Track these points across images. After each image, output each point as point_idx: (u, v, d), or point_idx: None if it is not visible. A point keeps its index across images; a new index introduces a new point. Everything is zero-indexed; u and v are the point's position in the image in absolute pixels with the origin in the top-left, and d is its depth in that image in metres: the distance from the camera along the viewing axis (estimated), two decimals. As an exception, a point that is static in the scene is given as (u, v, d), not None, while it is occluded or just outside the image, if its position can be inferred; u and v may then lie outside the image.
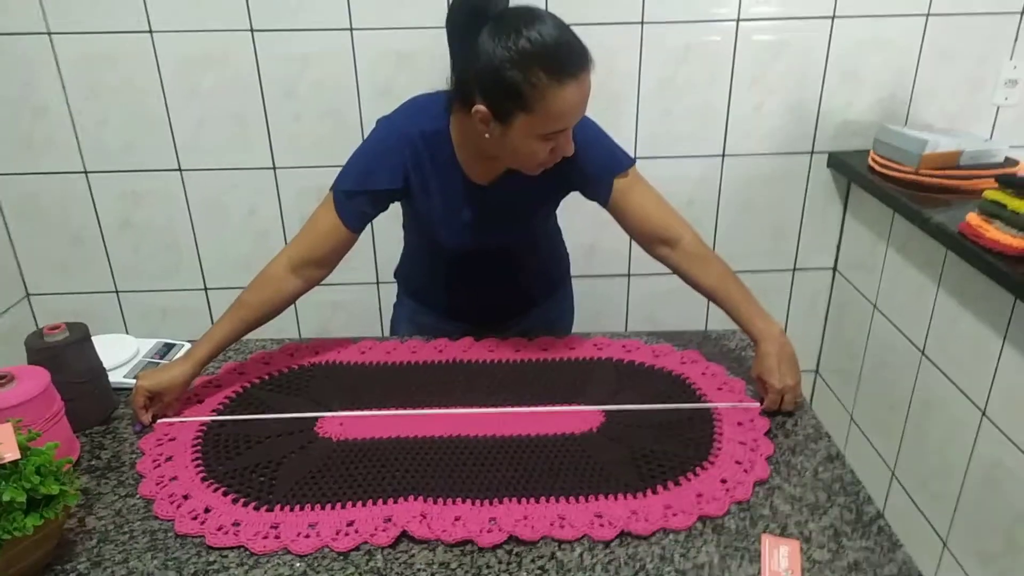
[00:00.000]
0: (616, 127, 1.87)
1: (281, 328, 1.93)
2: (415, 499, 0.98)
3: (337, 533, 0.94)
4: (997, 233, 1.32)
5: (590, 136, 1.23)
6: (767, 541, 0.92)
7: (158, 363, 1.31)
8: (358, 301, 2.07)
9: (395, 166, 1.21)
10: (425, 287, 1.48)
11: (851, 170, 1.87)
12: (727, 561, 0.90)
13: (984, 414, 1.44)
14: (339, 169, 1.24)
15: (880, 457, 1.85)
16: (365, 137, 1.25)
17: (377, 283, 2.05)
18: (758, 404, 1.18)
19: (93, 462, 1.09)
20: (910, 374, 1.70)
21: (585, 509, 0.97)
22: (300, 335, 1.86)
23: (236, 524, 0.96)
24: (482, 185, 1.25)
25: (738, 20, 1.81)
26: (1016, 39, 1.84)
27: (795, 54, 1.85)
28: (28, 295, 2.04)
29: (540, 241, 1.44)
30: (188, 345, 1.35)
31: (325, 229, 1.23)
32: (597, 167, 1.23)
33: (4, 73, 1.80)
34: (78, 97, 1.84)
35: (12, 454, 0.85)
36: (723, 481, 1.02)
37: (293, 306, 2.04)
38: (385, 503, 0.98)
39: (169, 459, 1.08)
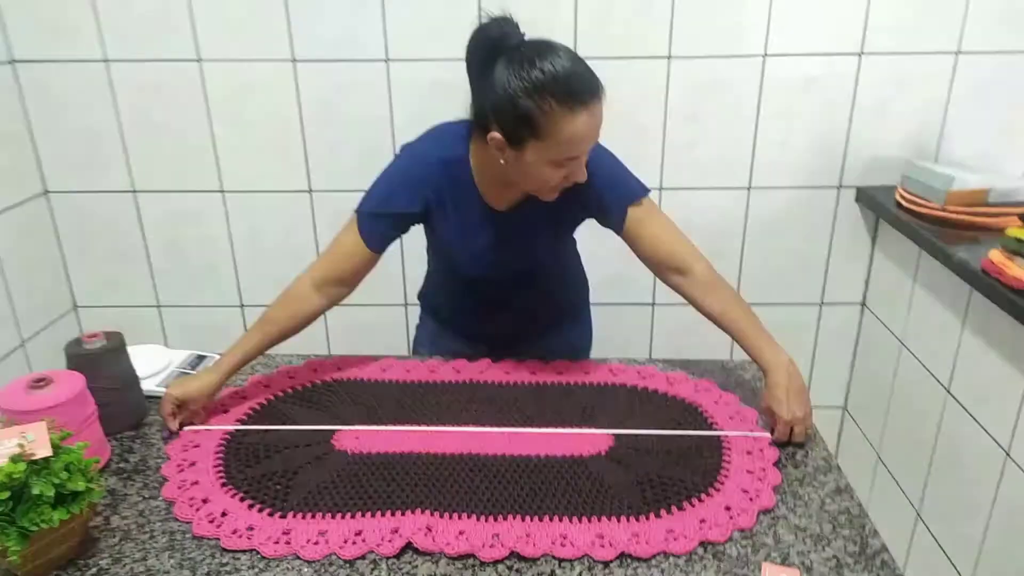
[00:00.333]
0: (642, 158, 1.91)
1: (311, 346, 1.99)
2: (422, 512, 1.01)
3: (345, 542, 0.97)
4: (1019, 271, 1.31)
5: (606, 166, 1.27)
6: (767, 569, 0.92)
7: (190, 373, 1.36)
8: (386, 322, 2.12)
9: (415, 191, 1.26)
10: (446, 309, 1.52)
11: (879, 205, 1.86)
12: (724, 586, 0.90)
13: (1008, 455, 1.41)
14: (368, 193, 1.30)
15: (906, 496, 1.81)
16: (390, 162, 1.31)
17: (405, 305, 2.11)
18: (768, 434, 1.19)
19: (122, 464, 1.15)
20: (935, 413, 1.67)
21: (587, 529, 0.99)
22: (330, 352, 1.91)
23: (250, 529, 1.00)
24: (500, 211, 1.29)
25: (765, 55, 1.83)
26: (1051, 78, 1.83)
27: (822, 89, 1.86)
28: (76, 307, 2.14)
29: (558, 267, 1.47)
30: (218, 357, 1.41)
31: (348, 249, 1.29)
32: (612, 196, 1.27)
33: (64, 98, 1.92)
34: (130, 121, 1.94)
35: (44, 451, 0.91)
36: (727, 508, 1.03)
37: (324, 325, 2.14)
38: (393, 515, 1.01)
39: (192, 464, 1.13)
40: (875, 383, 2.00)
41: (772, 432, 1.19)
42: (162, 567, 0.94)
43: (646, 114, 1.90)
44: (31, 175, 1.97)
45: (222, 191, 2.01)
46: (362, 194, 1.30)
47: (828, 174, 1.95)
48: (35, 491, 0.87)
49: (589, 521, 1.00)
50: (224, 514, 1.02)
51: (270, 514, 1.02)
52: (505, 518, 1.00)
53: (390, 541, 0.97)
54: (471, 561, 0.95)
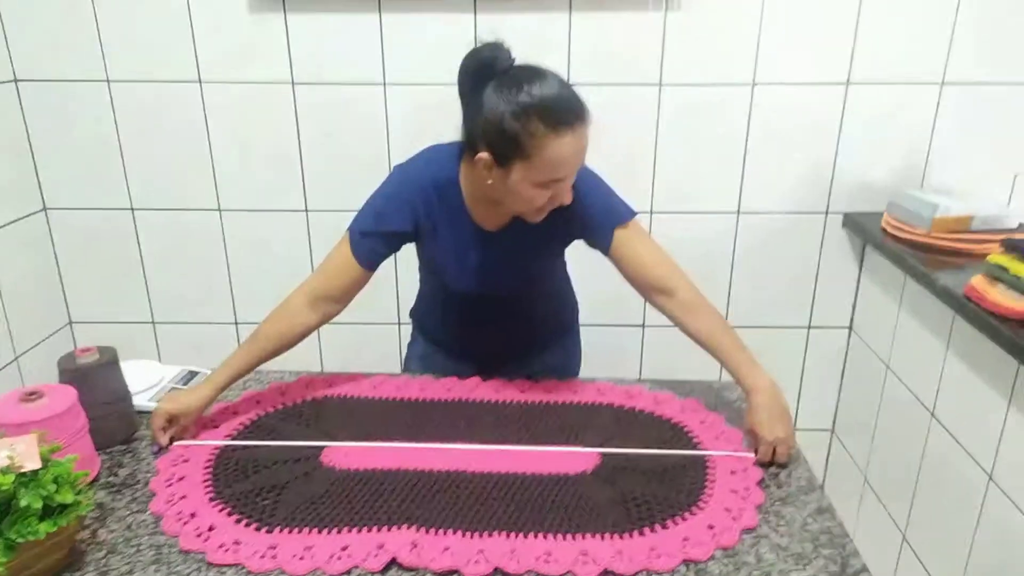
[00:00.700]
0: (633, 183, 1.96)
1: (304, 363, 2.00)
2: (408, 528, 1.02)
3: (331, 557, 0.98)
4: (999, 296, 1.33)
5: (592, 188, 1.30)
6: (748, 588, 0.93)
7: (181, 389, 1.38)
8: (379, 340, 2.14)
9: (406, 210, 1.29)
10: (436, 327, 1.54)
11: (866, 231, 1.89)
12: (704, 604, 0.91)
13: (991, 478, 1.43)
14: (363, 212, 1.32)
15: (891, 519, 1.82)
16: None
17: (398, 323, 2.12)
18: (752, 455, 1.20)
19: (111, 479, 1.16)
20: (920, 436, 1.69)
21: (571, 546, 1.00)
22: (322, 369, 1.92)
23: (237, 543, 1.00)
24: (490, 231, 1.32)
25: (753, 84, 1.87)
26: (1033, 108, 1.87)
27: (810, 118, 1.90)
28: (71, 322, 2.16)
29: (548, 287, 1.49)
30: (210, 372, 1.43)
31: (340, 267, 1.31)
32: (599, 218, 1.29)
33: (65, 116, 1.95)
34: (130, 140, 1.97)
35: (33, 463, 0.92)
36: (710, 527, 1.04)
37: (317, 342, 2.15)
38: (379, 530, 1.02)
39: (181, 479, 1.14)
40: (862, 406, 2.01)
41: (756, 453, 1.20)
42: (148, 580, 0.95)
43: (637, 140, 1.93)
44: (31, 192, 1.99)
45: (219, 209, 2.04)
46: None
47: (816, 200, 1.98)
48: (23, 503, 0.88)
49: (573, 538, 1.01)
50: (211, 528, 1.03)
51: (257, 529, 1.03)
52: (490, 534, 1.01)
53: (376, 556, 0.98)
54: (455, 577, 0.96)
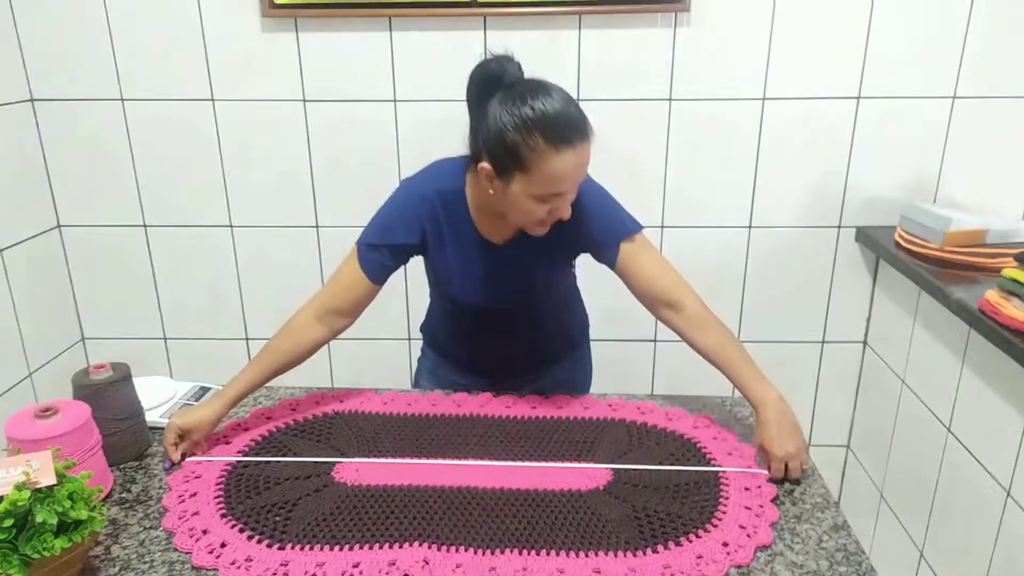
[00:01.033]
0: (644, 197, 1.96)
1: (315, 379, 2.00)
2: (420, 545, 1.01)
3: (343, 574, 0.98)
4: (1015, 311, 1.32)
5: (598, 202, 1.31)
6: (763, 606, 0.92)
7: (193, 405, 1.38)
8: (389, 356, 2.14)
9: (413, 223, 1.30)
10: (446, 341, 1.54)
11: (879, 245, 1.88)
12: (720, 623, 0.90)
13: (1009, 494, 1.41)
14: (371, 227, 1.33)
15: (908, 536, 1.80)
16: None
17: (409, 339, 2.12)
18: (765, 472, 1.19)
19: (124, 495, 1.16)
20: (936, 452, 1.67)
21: (584, 564, 0.99)
22: (333, 385, 1.92)
23: (249, 560, 1.00)
24: (495, 243, 1.33)
25: (764, 99, 1.87)
26: (1046, 121, 1.86)
27: (821, 132, 1.90)
28: (84, 339, 2.17)
29: (556, 301, 1.49)
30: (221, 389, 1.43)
31: (349, 281, 1.32)
32: (604, 231, 1.30)
33: (80, 135, 1.97)
34: (143, 157, 1.99)
35: (48, 479, 0.92)
36: (724, 544, 1.03)
37: (328, 358, 2.15)
38: (391, 547, 1.02)
39: (193, 495, 1.14)
40: (878, 421, 2.00)
41: (769, 470, 1.19)
42: (160, 597, 0.95)
43: (648, 154, 1.94)
44: (45, 209, 2.02)
45: (230, 226, 2.05)
46: (366, 229, 1.34)
47: (828, 214, 1.97)
48: (38, 519, 0.88)
49: (586, 556, 1.00)
50: (223, 545, 1.03)
51: (269, 545, 1.03)
52: (503, 552, 1.01)
53: (387, 574, 0.97)
54: (468, 594, 0.95)
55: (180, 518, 1.09)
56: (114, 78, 1.92)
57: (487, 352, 1.48)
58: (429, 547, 1.01)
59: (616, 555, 1.00)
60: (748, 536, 1.05)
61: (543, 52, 1.85)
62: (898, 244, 1.82)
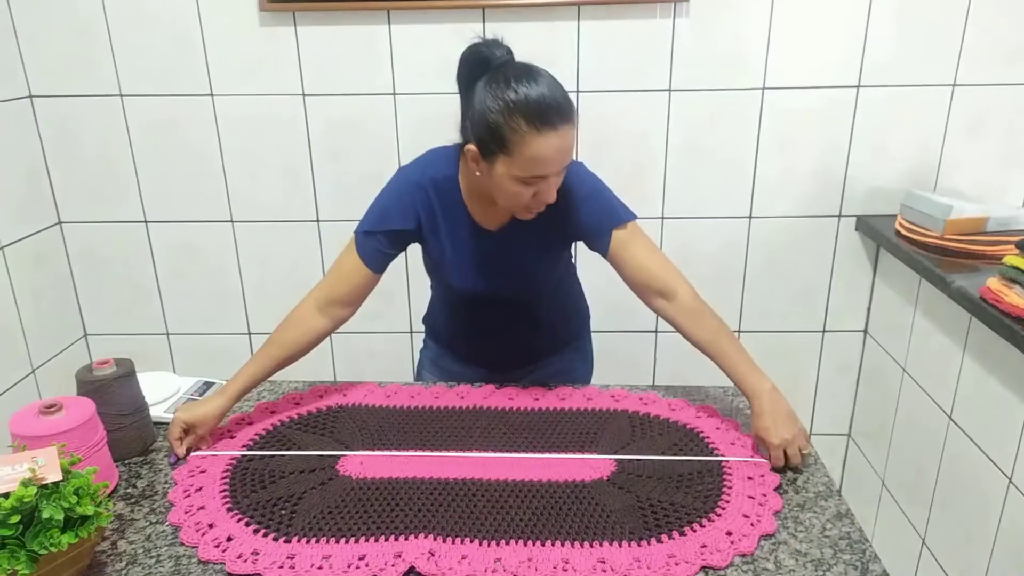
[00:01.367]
0: (644, 188, 1.96)
1: (317, 372, 2.00)
2: (425, 537, 1.02)
3: (348, 566, 0.98)
4: (1016, 298, 1.32)
5: (591, 190, 1.31)
6: (768, 594, 0.93)
7: (197, 400, 1.38)
8: (391, 349, 2.14)
9: (408, 209, 1.31)
10: (446, 332, 1.55)
11: (879, 234, 1.88)
12: (724, 611, 0.91)
13: (1011, 481, 1.41)
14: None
15: (910, 523, 1.81)
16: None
17: (411, 332, 2.13)
18: (766, 461, 1.20)
19: (129, 490, 1.16)
20: (938, 440, 1.68)
21: (589, 554, 0.99)
22: (335, 379, 1.93)
23: (255, 553, 1.01)
24: (489, 230, 1.34)
25: (763, 88, 1.87)
26: (1046, 108, 1.86)
27: (821, 121, 1.90)
28: (86, 335, 2.17)
29: (555, 291, 1.49)
30: (225, 383, 1.44)
31: (348, 270, 1.33)
32: (596, 219, 1.30)
33: (79, 131, 1.97)
34: (143, 153, 1.99)
35: (54, 475, 0.92)
36: (728, 533, 1.03)
37: (330, 352, 2.16)
38: (396, 539, 1.02)
39: (199, 490, 1.14)
40: (879, 410, 2.00)
41: (769, 459, 1.19)
42: (168, 591, 0.96)
43: (647, 146, 1.94)
44: (45, 206, 2.01)
45: (231, 221, 2.05)
46: (366, 221, 1.34)
47: (828, 203, 1.97)
48: (45, 515, 0.89)
49: (591, 546, 1.00)
50: (230, 539, 1.03)
51: (275, 539, 1.03)
52: (507, 543, 1.01)
53: (393, 566, 0.97)
54: (473, 585, 0.96)
55: (186, 512, 1.09)
56: (113, 74, 1.92)
57: (487, 342, 1.49)
58: (434, 539, 1.01)
59: (621, 545, 1.01)
60: (752, 525, 1.05)
61: (542, 44, 1.85)
62: (898, 233, 1.82)
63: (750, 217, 1.99)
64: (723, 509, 1.08)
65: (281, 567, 0.98)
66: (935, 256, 1.68)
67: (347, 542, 1.02)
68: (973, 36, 1.81)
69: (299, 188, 2.01)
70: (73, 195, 2.04)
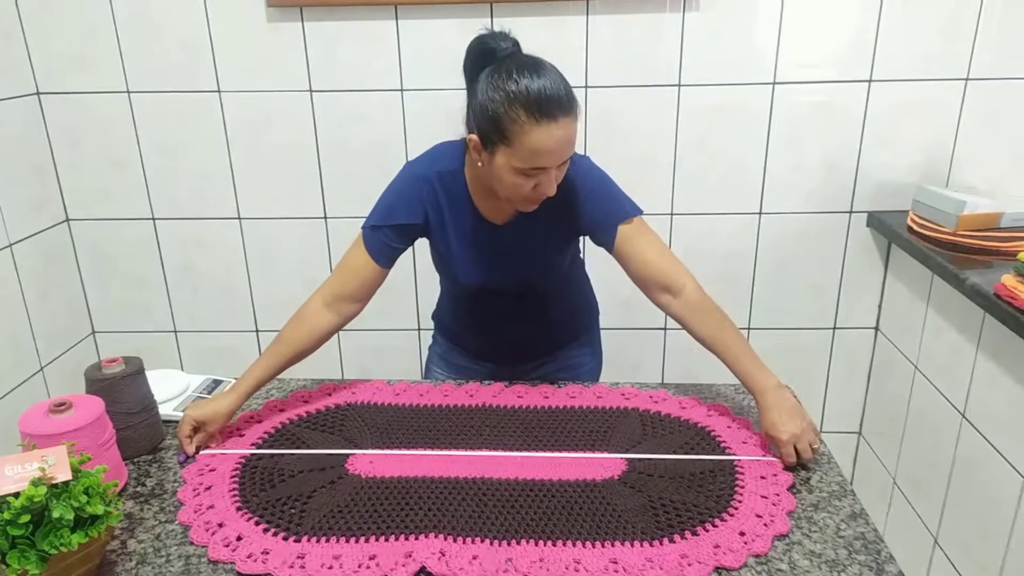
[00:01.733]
0: (653, 184, 1.95)
1: (325, 370, 2.00)
2: (436, 536, 1.01)
3: (359, 566, 0.97)
4: (1032, 295, 1.31)
5: (597, 185, 1.31)
6: (782, 595, 0.92)
7: (206, 398, 1.38)
8: (399, 346, 2.14)
9: (414, 203, 1.31)
10: (454, 327, 1.55)
11: (891, 230, 1.86)
12: (739, 612, 0.90)
13: (1026, 480, 1.40)
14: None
15: (922, 522, 1.79)
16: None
17: (419, 330, 2.12)
18: (778, 459, 1.18)
19: (138, 488, 1.16)
20: (951, 437, 1.66)
21: (601, 554, 0.98)
22: (343, 377, 1.93)
23: (265, 553, 1.00)
24: (495, 224, 1.33)
25: (774, 83, 1.85)
26: (1060, 103, 1.83)
27: (832, 116, 1.88)
28: (94, 332, 2.17)
29: (563, 286, 1.49)
30: (234, 381, 1.43)
31: (356, 265, 1.33)
32: (602, 213, 1.30)
33: (86, 128, 1.97)
34: (150, 150, 1.99)
35: (64, 475, 0.92)
36: (741, 534, 1.03)
37: (338, 349, 2.15)
38: (407, 539, 1.01)
39: (208, 488, 1.14)
40: (890, 408, 1.99)
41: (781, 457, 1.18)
42: (178, 591, 0.95)
43: (656, 141, 1.92)
44: (53, 203, 2.01)
45: (239, 218, 2.05)
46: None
47: (839, 199, 1.96)
48: (55, 514, 0.88)
49: (603, 546, 1.00)
50: (239, 538, 1.03)
51: (285, 538, 1.03)
52: (518, 543, 1.00)
53: (404, 566, 0.97)
54: (485, 586, 0.95)
55: (196, 511, 1.09)
56: (120, 71, 1.91)
57: (494, 336, 1.49)
58: (445, 539, 1.01)
59: (633, 545, 1.00)
60: (765, 525, 1.04)
61: (551, 38, 1.84)
62: (910, 229, 1.80)
63: (760, 213, 1.98)
64: (736, 509, 1.07)
65: (291, 567, 0.98)
66: (948, 252, 1.66)
67: (357, 542, 1.01)
68: (986, 29, 1.78)
69: (306, 185, 2.01)
70: (81, 192, 2.03)
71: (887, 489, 1.99)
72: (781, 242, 2.00)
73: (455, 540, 1.01)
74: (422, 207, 1.31)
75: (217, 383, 1.44)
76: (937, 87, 1.84)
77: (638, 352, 2.12)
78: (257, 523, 1.06)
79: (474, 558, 0.98)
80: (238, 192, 2.02)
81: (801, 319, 2.07)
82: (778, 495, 1.11)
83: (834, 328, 2.08)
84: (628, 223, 1.30)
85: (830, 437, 2.18)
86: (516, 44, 1.19)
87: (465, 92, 1.23)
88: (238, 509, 1.09)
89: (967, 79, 1.83)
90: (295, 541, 1.02)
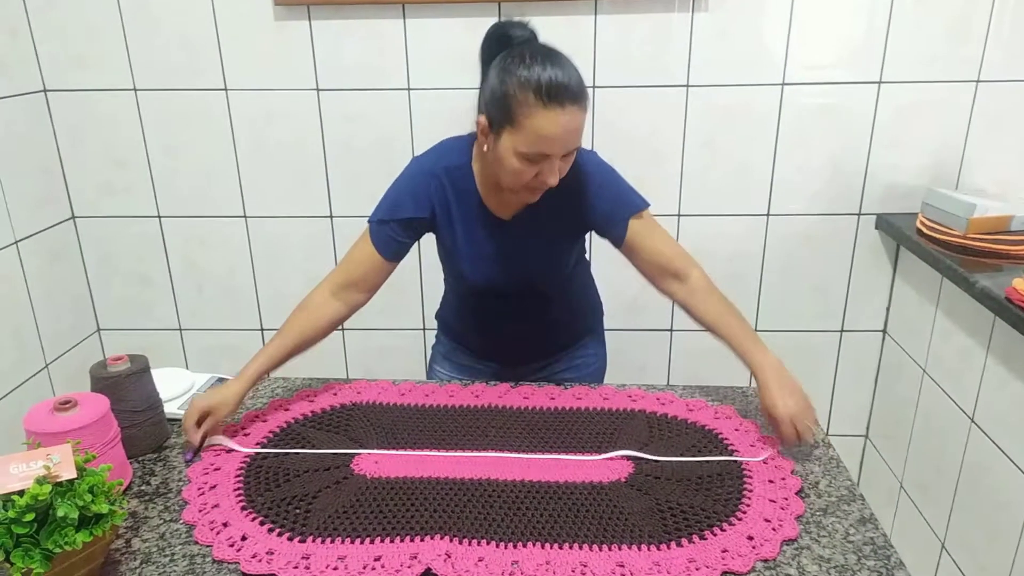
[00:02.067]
0: (661, 185, 1.94)
1: (329, 369, 1.99)
2: (441, 538, 1.00)
3: (364, 567, 0.97)
4: (1044, 299, 1.30)
5: (607, 179, 1.32)
6: (791, 600, 0.91)
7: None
8: (404, 346, 2.13)
9: (422, 198, 1.31)
10: (458, 326, 1.54)
11: (900, 232, 1.85)
12: (747, 617, 0.89)
13: (1036, 486, 1.39)
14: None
15: (930, 527, 1.78)
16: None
17: (423, 329, 2.12)
18: (775, 444, 1.19)
19: (143, 487, 1.15)
20: (959, 442, 1.65)
21: (608, 558, 0.98)
22: (348, 376, 1.92)
23: (270, 553, 1.00)
24: (503, 219, 1.33)
25: (783, 84, 1.84)
26: (1072, 105, 1.82)
27: (841, 117, 1.87)
28: (99, 330, 2.17)
29: (568, 284, 1.48)
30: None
31: (361, 257, 1.34)
32: (613, 208, 1.31)
33: (93, 126, 1.97)
34: (156, 148, 1.99)
35: (69, 473, 0.92)
36: (750, 538, 1.02)
37: (342, 348, 2.15)
38: (412, 540, 1.01)
39: (213, 488, 1.14)
40: (897, 411, 1.97)
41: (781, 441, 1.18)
42: (182, 591, 0.95)
43: (664, 142, 1.91)
44: (59, 200, 2.01)
45: (244, 216, 2.04)
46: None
47: (847, 201, 1.94)
48: (60, 513, 0.88)
49: (610, 549, 0.99)
50: (244, 538, 1.02)
51: (290, 538, 1.02)
52: (525, 545, 1.00)
53: (409, 567, 0.96)
54: (490, 588, 0.94)
55: (200, 511, 1.08)
56: (127, 69, 1.91)
57: (499, 335, 1.48)
58: (451, 540, 1.00)
59: (640, 548, 0.99)
60: (773, 530, 1.03)
61: (559, 38, 1.80)
62: (920, 231, 1.79)
63: (768, 215, 1.97)
64: (744, 513, 1.06)
65: (296, 567, 0.97)
66: (958, 255, 1.65)
67: (362, 542, 1.01)
68: (997, 31, 1.77)
69: (312, 183, 2.00)
70: (87, 190, 2.03)
71: (894, 493, 1.98)
72: (789, 244, 1.99)
73: (461, 542, 1.00)
74: (429, 201, 1.31)
75: (222, 381, 1.43)
76: (947, 89, 1.83)
77: (644, 353, 2.11)
78: (262, 523, 1.05)
79: (480, 560, 0.97)
80: (244, 190, 2.02)
81: (808, 321, 2.06)
82: (786, 499, 1.10)
83: (842, 330, 2.07)
84: (638, 217, 1.31)
85: (837, 440, 2.16)
86: (534, 33, 1.20)
87: (471, 92, 1.23)
88: (243, 508, 1.08)
89: (977, 81, 1.81)
90: (300, 541, 1.01)
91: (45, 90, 1.94)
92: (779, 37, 1.81)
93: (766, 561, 0.98)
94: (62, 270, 2.03)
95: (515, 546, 1.00)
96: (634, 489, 1.11)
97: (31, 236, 1.89)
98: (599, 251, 1.87)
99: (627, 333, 2.04)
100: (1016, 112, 1.83)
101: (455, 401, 1.37)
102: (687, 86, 1.86)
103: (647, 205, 1.33)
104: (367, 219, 1.34)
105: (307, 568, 0.97)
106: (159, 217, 2.05)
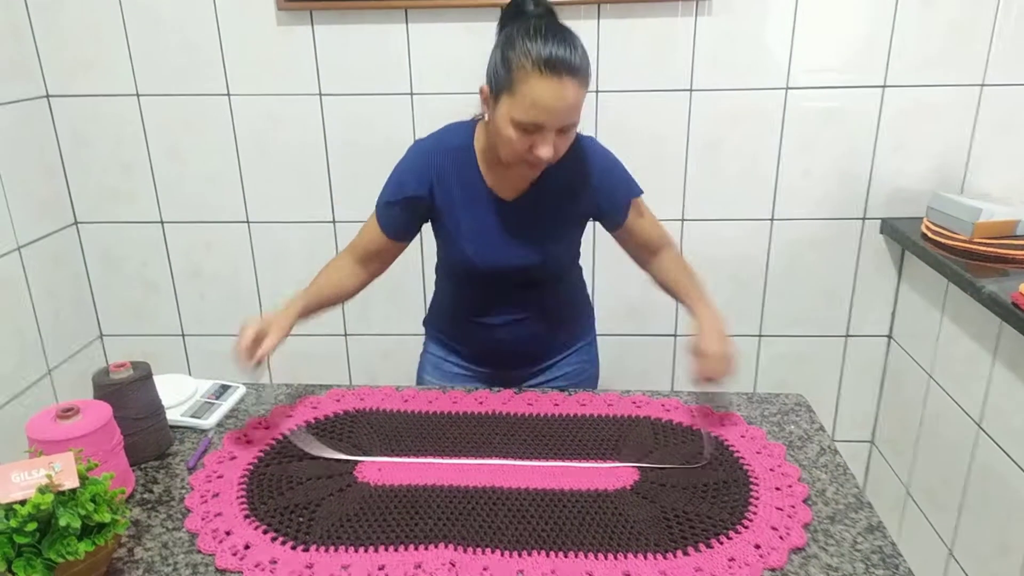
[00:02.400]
0: (664, 189, 1.93)
1: (333, 376, 1.99)
2: (446, 547, 1.00)
3: (368, 576, 0.96)
4: (1052, 304, 1.29)
5: (610, 164, 1.37)
6: (799, 610, 0.90)
7: (213, 403, 1.37)
8: (407, 352, 2.12)
9: (421, 176, 1.34)
10: (451, 327, 1.52)
11: (905, 237, 1.84)
12: (755, 628, 0.88)
13: (1044, 493, 1.38)
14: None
15: (936, 533, 1.77)
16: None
17: (425, 335, 2.10)
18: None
19: (146, 495, 1.15)
20: (966, 447, 1.64)
21: (614, 567, 0.97)
22: (351, 383, 1.92)
23: (273, 562, 0.99)
24: (506, 200, 1.34)
25: (787, 88, 1.84)
26: (1077, 109, 1.81)
27: (845, 121, 1.86)
28: (102, 336, 2.17)
29: (564, 277, 1.48)
30: (243, 388, 1.43)
31: (372, 236, 1.40)
32: (616, 191, 1.38)
33: (95, 131, 1.96)
34: (159, 153, 1.98)
35: (71, 482, 0.91)
36: (757, 546, 1.01)
37: (344, 354, 2.14)
38: (416, 549, 1.00)
39: (216, 496, 1.13)
40: (903, 417, 1.96)
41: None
42: (185, 600, 0.94)
43: (668, 146, 1.91)
44: (62, 206, 2.01)
45: (247, 221, 2.04)
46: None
47: (852, 205, 1.94)
48: (62, 522, 0.87)
49: (616, 558, 0.98)
50: (247, 547, 1.02)
51: (293, 547, 1.01)
52: (529, 554, 0.99)
53: (413, 576, 0.96)
54: (495, 598, 0.93)
55: (203, 519, 1.08)
56: (129, 74, 1.91)
57: (491, 340, 1.46)
58: (455, 549, 0.99)
59: (646, 557, 0.98)
60: (781, 538, 1.02)
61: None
62: (925, 236, 1.78)
63: (772, 219, 1.96)
64: (750, 521, 1.06)
65: (299, 576, 0.96)
66: (963, 260, 1.64)
67: (366, 551, 1.00)
68: (1001, 34, 1.77)
69: (315, 188, 2.00)
70: (89, 195, 2.03)
71: (900, 499, 1.97)
72: (793, 248, 1.98)
73: (465, 550, 0.99)
74: (428, 180, 1.33)
75: (225, 388, 1.43)
76: (952, 92, 1.82)
77: (647, 359, 2.10)
78: (265, 531, 1.04)
79: (485, 569, 0.96)
80: (247, 195, 2.02)
81: (813, 326, 2.05)
82: (793, 507, 1.09)
83: (846, 336, 2.06)
84: (637, 201, 1.39)
85: (842, 446, 2.15)
86: (549, 9, 1.22)
87: (474, 97, 1.25)
88: (246, 517, 1.08)
89: (982, 84, 1.81)
90: (303, 550, 1.01)
91: (48, 95, 1.94)
92: (783, 41, 1.81)
93: (774, 570, 0.97)
94: (65, 276, 2.03)
95: (520, 554, 0.99)
96: (640, 497, 1.10)
97: (34, 242, 1.89)
98: (601, 256, 1.87)
99: (630, 338, 2.03)
100: (1021, 115, 1.82)
101: (459, 408, 1.36)
102: (691, 90, 1.86)
103: (642, 191, 1.40)
104: (375, 203, 1.38)
105: (311, 577, 0.96)
106: (162, 222, 2.05)
